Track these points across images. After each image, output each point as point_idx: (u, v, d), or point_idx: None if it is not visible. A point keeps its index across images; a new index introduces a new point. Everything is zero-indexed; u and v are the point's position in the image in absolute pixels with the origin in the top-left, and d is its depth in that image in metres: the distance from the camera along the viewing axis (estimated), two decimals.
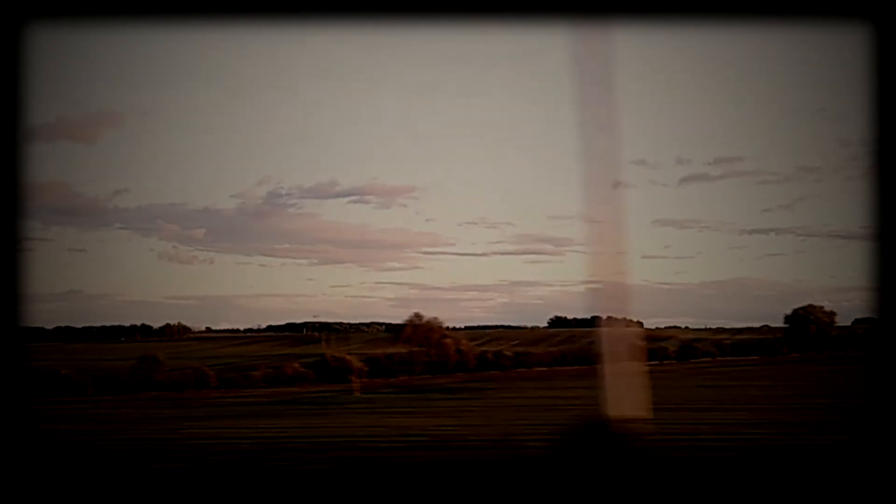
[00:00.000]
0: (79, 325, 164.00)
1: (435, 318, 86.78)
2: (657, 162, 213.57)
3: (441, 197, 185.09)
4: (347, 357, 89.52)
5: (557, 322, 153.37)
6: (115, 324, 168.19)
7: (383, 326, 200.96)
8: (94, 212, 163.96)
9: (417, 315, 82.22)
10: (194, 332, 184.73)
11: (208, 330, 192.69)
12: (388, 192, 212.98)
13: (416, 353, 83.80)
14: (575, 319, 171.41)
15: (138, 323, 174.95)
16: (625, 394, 11.82)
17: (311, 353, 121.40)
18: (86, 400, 72.13)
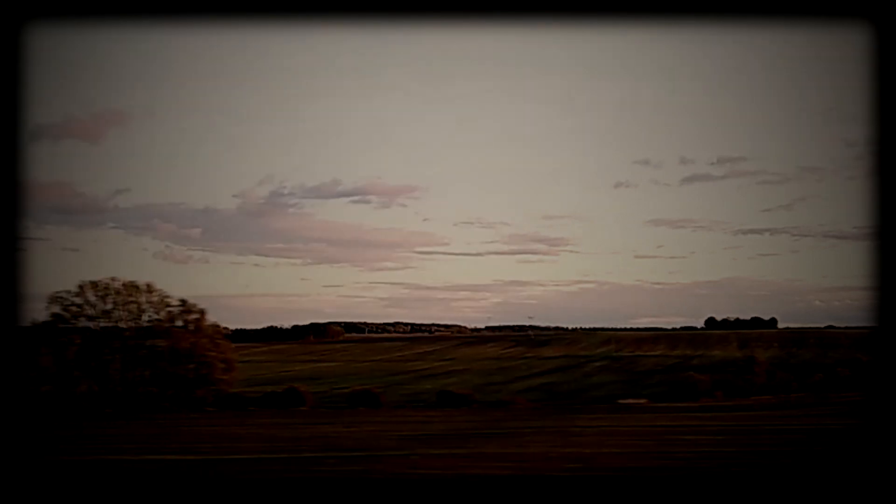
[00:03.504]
0: (256, 328, 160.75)
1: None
2: (660, 161, 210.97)
3: (440, 197, 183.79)
4: None
5: (712, 324, 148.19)
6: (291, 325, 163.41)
7: (409, 327, 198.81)
8: (92, 211, 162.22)
9: None
10: (347, 335, 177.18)
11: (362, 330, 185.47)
12: (389, 191, 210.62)
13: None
14: (725, 321, 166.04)
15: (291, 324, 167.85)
16: None
17: (605, 356, 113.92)
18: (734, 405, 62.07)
